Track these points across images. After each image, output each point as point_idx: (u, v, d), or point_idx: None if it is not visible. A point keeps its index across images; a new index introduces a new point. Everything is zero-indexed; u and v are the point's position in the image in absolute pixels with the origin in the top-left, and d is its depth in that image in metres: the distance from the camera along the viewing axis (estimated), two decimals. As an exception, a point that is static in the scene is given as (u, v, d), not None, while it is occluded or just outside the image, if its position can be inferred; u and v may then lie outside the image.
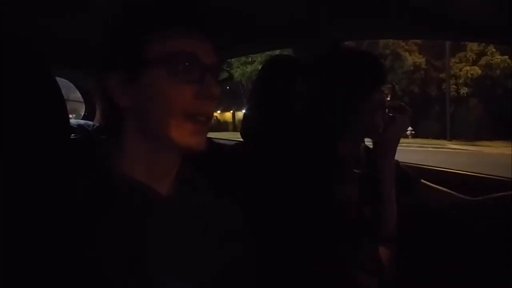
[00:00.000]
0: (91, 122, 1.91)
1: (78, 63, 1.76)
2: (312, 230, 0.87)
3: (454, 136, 16.18)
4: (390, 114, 0.97)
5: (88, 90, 2.13)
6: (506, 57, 15.81)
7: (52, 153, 0.68)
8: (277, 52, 1.94)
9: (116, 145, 0.64)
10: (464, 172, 1.46)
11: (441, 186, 1.30)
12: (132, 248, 0.57)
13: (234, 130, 18.64)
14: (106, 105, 0.65)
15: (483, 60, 16.67)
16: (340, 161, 1.01)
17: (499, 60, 16.18)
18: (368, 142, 1.09)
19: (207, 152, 0.63)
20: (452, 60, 17.41)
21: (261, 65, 1.15)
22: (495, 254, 1.10)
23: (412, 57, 18.08)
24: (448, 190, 1.27)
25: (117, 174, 0.61)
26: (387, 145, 0.97)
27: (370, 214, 0.98)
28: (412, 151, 10.79)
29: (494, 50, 16.25)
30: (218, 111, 20.55)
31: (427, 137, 16.49)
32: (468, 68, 17.02)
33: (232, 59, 13.75)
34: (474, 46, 16.44)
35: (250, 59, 17.63)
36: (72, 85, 2.13)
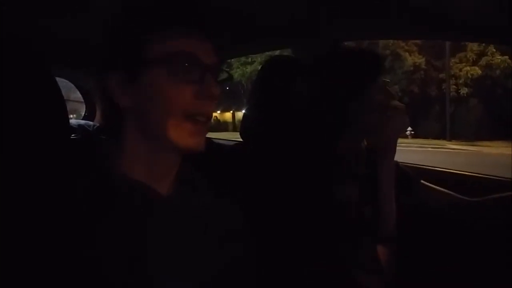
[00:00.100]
0: (91, 122, 1.91)
1: (78, 63, 1.76)
2: (312, 230, 0.87)
3: (454, 136, 16.18)
4: (389, 114, 0.97)
5: (88, 90, 2.13)
6: (507, 57, 15.82)
7: (52, 153, 0.68)
8: (277, 52, 1.94)
9: (116, 145, 0.64)
10: (464, 173, 1.46)
11: (440, 186, 1.30)
12: (132, 248, 0.57)
13: (234, 130, 18.65)
14: (106, 105, 0.65)
15: (483, 60, 16.68)
16: (340, 161, 1.01)
17: (499, 60, 16.19)
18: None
19: (207, 152, 0.63)
20: (452, 60, 17.42)
21: (261, 66, 1.15)
22: (495, 255, 1.10)
23: (412, 57, 18.08)
24: (448, 191, 1.27)
25: (117, 174, 0.61)
26: (386, 145, 0.97)
27: (370, 214, 0.98)
28: (411, 151, 10.80)
29: (494, 50, 16.26)
30: (218, 111, 20.59)
31: (426, 137, 16.50)
32: (468, 68, 17.02)
33: (232, 60, 13.77)
34: (474, 46, 16.44)
35: (250, 60, 17.64)
36: (72, 85, 2.13)
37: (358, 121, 0.97)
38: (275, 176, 0.90)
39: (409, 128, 16.77)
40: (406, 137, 16.32)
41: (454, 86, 17.24)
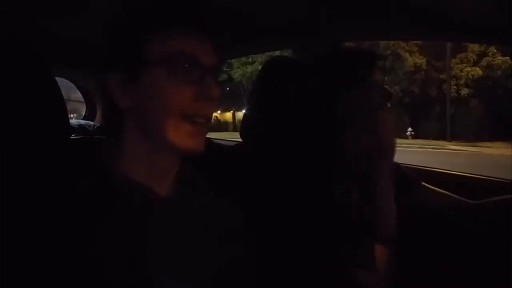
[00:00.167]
0: (91, 122, 1.91)
1: (78, 63, 1.76)
2: (312, 230, 0.87)
3: (454, 137, 16.18)
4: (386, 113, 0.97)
5: (89, 90, 2.13)
6: (508, 58, 15.81)
7: (52, 153, 0.68)
8: (277, 53, 1.94)
9: (116, 145, 0.64)
10: (465, 174, 1.46)
11: (441, 188, 1.30)
12: (132, 248, 0.57)
13: (234, 130, 18.65)
14: (106, 105, 0.65)
15: (484, 61, 16.67)
16: (340, 161, 1.01)
17: (500, 61, 16.18)
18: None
19: (207, 153, 0.63)
20: (453, 60, 17.41)
21: (261, 66, 1.15)
22: (495, 258, 1.10)
23: (413, 57, 18.08)
24: (449, 193, 1.27)
25: (117, 174, 0.61)
26: (384, 145, 0.97)
27: (370, 214, 0.98)
28: (412, 151, 10.79)
29: (495, 51, 16.25)
30: (218, 111, 20.59)
31: (427, 138, 16.50)
32: (469, 69, 17.02)
33: (233, 59, 13.78)
34: (475, 47, 16.43)
35: (250, 60, 17.66)
36: (72, 85, 2.13)
37: (357, 121, 0.97)
38: (275, 176, 0.90)
39: (410, 129, 16.82)
40: (406, 137, 16.34)
41: (454, 87, 17.23)
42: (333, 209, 0.92)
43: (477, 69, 16.86)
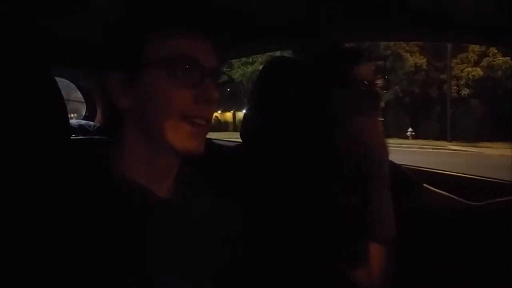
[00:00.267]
0: (91, 123, 1.91)
1: (78, 63, 1.76)
2: (312, 230, 0.87)
3: (454, 137, 16.17)
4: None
5: (89, 90, 2.13)
6: (508, 58, 15.79)
7: (52, 153, 0.68)
8: (278, 53, 1.94)
9: (116, 145, 0.64)
10: (465, 175, 1.46)
11: (442, 189, 1.30)
12: (132, 248, 0.57)
13: (234, 130, 18.67)
14: (106, 105, 0.64)
15: (484, 61, 16.66)
16: (340, 161, 1.01)
17: (501, 61, 16.16)
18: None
19: (207, 153, 0.63)
20: (454, 61, 17.40)
21: (262, 66, 1.15)
22: (495, 259, 1.10)
23: (413, 58, 18.06)
24: (450, 195, 1.27)
25: (117, 174, 0.61)
26: (370, 150, 0.97)
27: (368, 214, 0.98)
28: (412, 152, 10.80)
29: (496, 51, 16.23)
30: (219, 111, 20.59)
31: (427, 138, 16.49)
32: (469, 69, 17.00)
33: (233, 60, 13.77)
34: (475, 47, 16.41)
35: (251, 60, 17.65)
36: (73, 85, 2.13)
37: (344, 123, 0.97)
38: (275, 176, 0.90)
39: (410, 129, 16.82)
40: (406, 138, 16.34)
41: (455, 87, 17.22)
42: (333, 209, 0.92)
43: (478, 69, 16.84)
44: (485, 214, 1.19)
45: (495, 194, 1.22)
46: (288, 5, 1.13)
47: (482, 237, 1.13)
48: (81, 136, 1.33)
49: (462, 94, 17.08)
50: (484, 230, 1.15)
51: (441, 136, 16.66)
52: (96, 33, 0.76)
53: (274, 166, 0.91)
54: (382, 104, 1.00)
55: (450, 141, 16.00)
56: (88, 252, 0.54)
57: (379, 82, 0.98)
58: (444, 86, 17.66)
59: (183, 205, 0.66)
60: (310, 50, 1.44)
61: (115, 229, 0.57)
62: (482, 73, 16.77)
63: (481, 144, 14.62)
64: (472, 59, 17.14)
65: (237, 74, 17.98)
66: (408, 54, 18.03)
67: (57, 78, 0.73)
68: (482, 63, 16.77)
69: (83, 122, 1.87)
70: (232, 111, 21.87)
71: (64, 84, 1.97)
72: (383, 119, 1.04)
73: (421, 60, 18.07)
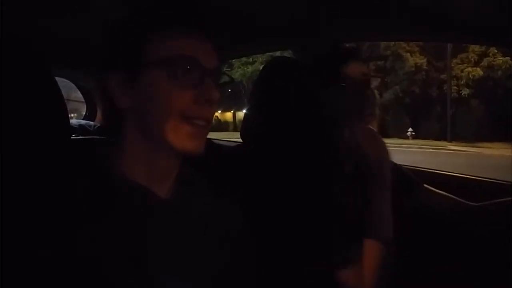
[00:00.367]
0: (92, 122, 1.91)
1: (78, 63, 1.76)
2: (312, 230, 0.87)
3: (454, 137, 16.17)
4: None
5: (89, 90, 2.14)
6: (508, 58, 15.79)
7: (52, 153, 0.68)
8: (278, 53, 1.94)
9: (116, 145, 0.64)
10: (466, 176, 1.46)
11: (442, 189, 1.30)
12: (132, 248, 0.57)
13: (235, 130, 18.68)
14: (106, 105, 0.64)
15: (484, 61, 16.65)
16: (340, 162, 1.01)
17: (501, 61, 16.16)
18: None
19: (207, 153, 0.63)
20: (454, 61, 17.39)
21: (262, 66, 1.15)
22: (495, 259, 1.10)
23: (414, 58, 18.06)
24: (450, 195, 1.27)
25: (117, 174, 0.61)
26: (368, 158, 0.97)
27: (368, 214, 0.99)
28: (412, 152, 10.79)
29: (496, 51, 16.22)
30: (219, 111, 20.58)
31: (427, 138, 16.49)
32: (469, 69, 17.00)
33: (233, 59, 13.77)
34: (476, 47, 16.41)
35: (251, 59, 17.64)
36: (73, 84, 2.13)
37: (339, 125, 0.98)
38: (275, 176, 0.90)
39: (410, 129, 16.82)
40: (406, 138, 16.34)
41: (455, 87, 17.21)
42: (333, 209, 0.92)
43: (478, 69, 16.84)
44: (485, 215, 1.19)
45: (495, 194, 1.22)
46: (288, 5, 1.13)
47: (482, 237, 1.14)
48: (81, 136, 1.34)
49: (462, 94, 17.07)
50: (484, 230, 1.15)
51: (441, 136, 16.66)
52: (96, 33, 0.76)
53: (274, 166, 0.91)
54: (377, 104, 1.00)
55: (450, 141, 16.00)
56: (88, 252, 0.54)
57: (372, 81, 0.98)
58: (444, 86, 17.65)
59: (183, 205, 0.66)
60: (310, 50, 1.44)
61: (115, 229, 0.57)
62: (482, 73, 16.76)
63: (481, 144, 14.62)
64: (472, 59, 17.14)
65: (237, 74, 17.98)
66: (408, 54, 18.03)
67: (57, 78, 0.73)
68: (482, 63, 16.77)
69: (83, 122, 1.87)
70: (232, 111, 21.86)
71: (64, 84, 1.97)
72: (377, 118, 1.04)
73: (421, 60, 18.06)
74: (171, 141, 0.60)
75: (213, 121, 0.66)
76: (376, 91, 1.01)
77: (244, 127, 1.07)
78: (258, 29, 1.34)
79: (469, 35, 1.23)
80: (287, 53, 1.76)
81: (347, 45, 1.14)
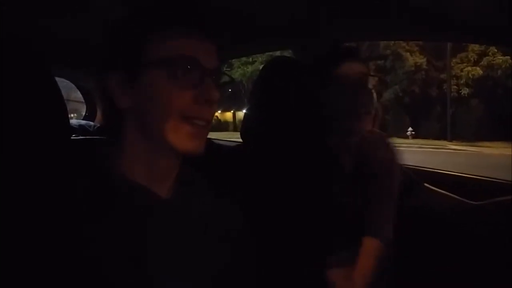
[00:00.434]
0: (91, 123, 1.91)
1: (78, 63, 1.76)
2: (311, 230, 0.87)
3: (454, 136, 16.17)
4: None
5: (89, 90, 2.13)
6: (508, 57, 15.77)
7: (52, 154, 0.68)
8: (278, 53, 1.94)
9: (116, 145, 0.64)
10: (466, 175, 1.46)
11: (443, 189, 1.30)
12: (132, 248, 0.57)
13: (234, 130, 18.67)
14: (106, 105, 0.64)
15: (484, 61, 16.65)
16: (340, 162, 1.01)
17: (501, 60, 16.15)
18: None
19: (207, 153, 0.63)
20: (453, 60, 17.39)
21: (262, 66, 1.15)
22: (495, 258, 1.10)
23: (413, 57, 18.06)
24: (450, 194, 1.27)
25: (117, 174, 0.61)
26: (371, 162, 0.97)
27: (369, 214, 0.99)
28: (412, 151, 10.78)
29: (496, 50, 16.21)
30: (219, 111, 20.58)
31: (427, 138, 16.49)
32: (469, 68, 16.99)
33: (233, 59, 13.77)
34: (475, 46, 16.39)
35: (251, 59, 17.63)
36: (73, 85, 2.13)
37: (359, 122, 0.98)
38: (275, 176, 0.91)
39: (410, 129, 16.82)
40: (406, 137, 16.34)
41: (455, 87, 17.21)
42: (333, 209, 0.92)
43: (478, 68, 16.83)
44: (485, 214, 1.19)
45: (495, 193, 1.22)
46: (288, 5, 1.13)
47: (482, 237, 1.14)
48: (81, 136, 1.34)
49: (462, 93, 17.07)
50: (484, 230, 1.15)
51: (441, 135, 16.66)
52: (96, 33, 0.76)
53: (274, 166, 0.92)
54: (375, 103, 1.00)
55: (450, 140, 16.00)
56: (88, 252, 0.54)
57: (370, 80, 0.98)
58: (444, 85, 17.65)
59: (183, 205, 0.66)
60: (310, 50, 1.44)
61: (115, 229, 0.57)
62: (482, 72, 16.76)
63: (481, 143, 14.62)
64: (472, 59, 17.13)
65: (237, 73, 17.97)
66: (408, 53, 18.03)
67: (57, 78, 0.73)
68: (482, 62, 16.76)
69: (83, 122, 1.87)
70: (232, 111, 21.85)
71: (64, 84, 1.97)
72: (377, 117, 1.04)
73: (421, 60, 18.06)
74: (171, 141, 0.60)
75: (213, 121, 0.66)
76: (373, 91, 1.00)
77: (244, 127, 1.07)
78: (258, 29, 1.34)
79: (469, 35, 1.23)
80: (287, 53, 1.76)
81: (346, 44, 1.14)
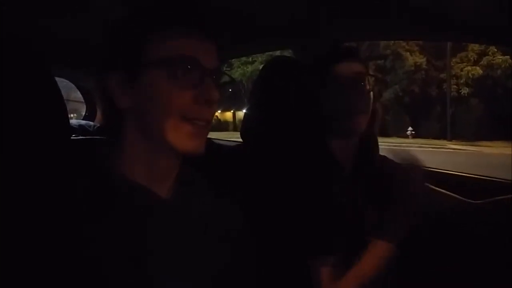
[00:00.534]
0: (91, 123, 1.91)
1: (78, 63, 1.76)
2: (312, 230, 0.87)
3: (454, 136, 16.16)
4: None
5: (89, 90, 2.13)
6: (508, 57, 15.76)
7: (52, 154, 0.68)
8: (278, 53, 1.94)
9: (116, 145, 0.64)
10: (466, 174, 1.46)
11: (442, 188, 1.30)
12: (132, 248, 0.57)
13: (234, 130, 18.66)
14: (106, 105, 0.64)
15: (484, 60, 16.64)
16: (340, 161, 1.01)
17: (501, 60, 16.14)
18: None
19: (207, 153, 0.63)
20: (453, 60, 17.38)
21: (262, 65, 1.15)
22: (495, 257, 1.10)
23: (413, 57, 18.05)
24: (450, 193, 1.27)
25: (117, 174, 0.61)
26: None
27: (369, 214, 0.98)
28: (412, 151, 10.75)
29: (496, 50, 16.20)
30: (219, 111, 20.57)
31: (427, 137, 16.48)
32: (469, 68, 16.98)
33: (233, 59, 13.76)
34: (475, 46, 16.37)
35: (250, 59, 17.63)
36: (73, 85, 2.13)
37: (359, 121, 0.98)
38: (275, 176, 0.90)
39: (410, 128, 16.82)
40: (406, 137, 16.34)
41: (455, 86, 17.20)
42: (334, 209, 0.92)
43: (477, 68, 16.82)
44: (485, 213, 1.19)
45: (495, 192, 1.22)
46: (288, 5, 1.13)
47: (482, 236, 1.14)
48: (81, 136, 1.33)
49: (462, 93, 17.07)
50: (484, 229, 1.15)
51: (441, 135, 16.65)
52: (96, 33, 0.76)
53: (274, 166, 0.91)
54: (371, 103, 1.00)
55: (450, 140, 15.99)
56: (88, 252, 0.54)
57: (368, 80, 0.98)
58: (443, 85, 17.64)
59: (183, 205, 0.66)
60: (310, 50, 1.44)
61: (115, 229, 0.57)
62: (481, 72, 16.74)
63: (480, 143, 14.61)
64: (471, 58, 17.12)
65: (237, 73, 17.97)
66: (408, 53, 18.02)
67: (57, 78, 0.73)
68: (482, 62, 16.75)
69: (83, 122, 1.87)
70: (232, 111, 21.84)
71: (64, 84, 1.97)
72: (377, 117, 1.04)
73: (421, 59, 18.05)
74: (171, 141, 0.60)
75: (213, 121, 0.66)
76: (371, 90, 1.00)
77: (244, 126, 1.07)
78: (258, 29, 1.34)
79: (469, 34, 1.23)
80: (287, 53, 1.76)
81: (346, 44, 1.14)
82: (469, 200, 1.23)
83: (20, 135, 0.65)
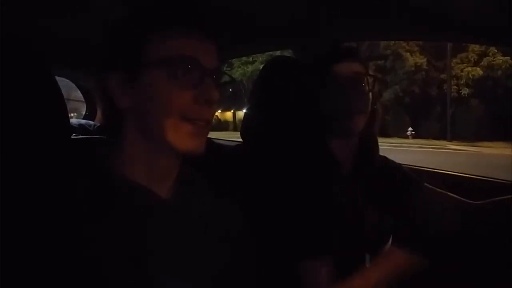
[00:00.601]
0: (92, 122, 1.91)
1: (78, 63, 1.76)
2: (312, 230, 0.87)
3: (454, 136, 16.16)
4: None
5: (89, 89, 2.14)
6: (508, 58, 15.77)
7: (52, 153, 0.68)
8: (278, 53, 1.94)
9: (116, 145, 0.64)
10: (466, 175, 1.46)
11: (442, 188, 1.30)
12: (132, 248, 0.57)
13: (235, 129, 18.67)
14: (106, 105, 0.64)
15: (484, 61, 16.64)
16: (340, 161, 1.01)
17: (501, 61, 16.14)
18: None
19: (207, 153, 0.63)
20: (454, 60, 17.38)
21: (262, 65, 1.15)
22: (496, 258, 1.10)
23: (413, 57, 18.05)
24: (450, 194, 1.27)
25: (117, 174, 0.61)
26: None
27: (369, 214, 0.99)
28: (412, 151, 10.79)
29: (496, 51, 16.21)
30: (219, 111, 20.57)
31: (427, 138, 16.48)
32: (469, 68, 16.98)
33: (233, 59, 13.77)
34: (475, 47, 16.39)
35: (251, 59, 17.63)
36: (73, 84, 2.13)
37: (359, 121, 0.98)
38: (275, 176, 0.91)
39: (410, 128, 16.82)
40: (407, 137, 16.34)
41: (455, 87, 17.20)
42: (334, 209, 0.92)
43: (478, 69, 16.82)
44: (484, 213, 1.19)
45: (495, 193, 1.22)
46: (288, 5, 1.13)
47: (482, 236, 1.13)
48: (81, 135, 1.34)
49: (462, 93, 17.07)
50: (484, 229, 1.15)
51: (441, 135, 16.65)
52: (96, 33, 0.76)
53: (275, 166, 0.92)
54: (370, 103, 1.00)
55: (450, 140, 16.00)
56: (88, 252, 0.54)
57: (368, 80, 0.98)
58: (444, 85, 17.64)
59: (183, 205, 0.66)
60: (310, 50, 1.44)
61: (115, 229, 0.57)
62: (482, 72, 16.75)
63: (481, 143, 14.61)
64: (472, 59, 17.12)
65: (237, 73, 17.99)
66: (408, 53, 18.02)
67: (57, 77, 0.73)
68: (482, 62, 16.75)
69: (83, 121, 1.87)
70: (232, 111, 21.86)
71: (64, 84, 1.97)
72: (377, 117, 1.04)
73: (421, 60, 18.05)
74: (171, 141, 0.60)
75: (213, 120, 0.66)
76: (371, 91, 1.00)
77: (244, 126, 1.07)
78: (258, 29, 1.34)
79: (469, 35, 1.23)
80: (287, 53, 1.76)
81: (346, 44, 1.14)
82: (469, 201, 1.23)
83: (21, 134, 0.65)
